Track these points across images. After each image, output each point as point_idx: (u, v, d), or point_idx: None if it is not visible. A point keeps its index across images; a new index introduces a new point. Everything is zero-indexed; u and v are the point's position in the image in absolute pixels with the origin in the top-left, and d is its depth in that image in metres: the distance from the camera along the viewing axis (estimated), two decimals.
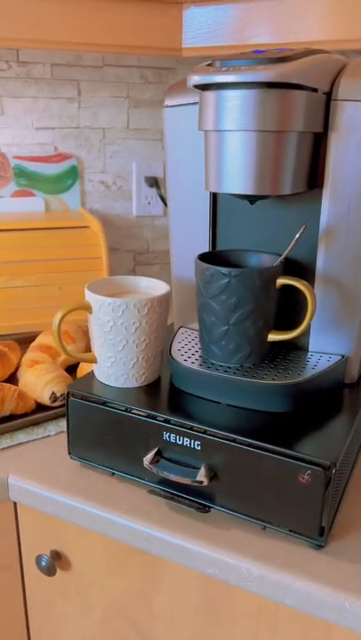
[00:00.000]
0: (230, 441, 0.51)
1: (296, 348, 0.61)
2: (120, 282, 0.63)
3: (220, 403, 0.56)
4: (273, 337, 0.57)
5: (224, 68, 0.47)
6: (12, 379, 0.81)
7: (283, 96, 0.47)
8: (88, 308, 0.58)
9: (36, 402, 0.73)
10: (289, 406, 0.55)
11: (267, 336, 0.57)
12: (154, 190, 1.21)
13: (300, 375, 0.55)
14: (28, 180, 1.13)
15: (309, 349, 0.61)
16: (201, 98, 0.51)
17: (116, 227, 1.22)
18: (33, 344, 0.84)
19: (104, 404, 0.57)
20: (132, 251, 1.25)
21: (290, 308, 0.60)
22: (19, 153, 1.11)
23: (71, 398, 0.59)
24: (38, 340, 0.85)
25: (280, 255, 0.58)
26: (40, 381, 0.73)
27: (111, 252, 1.22)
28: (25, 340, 0.92)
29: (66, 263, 0.99)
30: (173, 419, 0.53)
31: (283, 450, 0.49)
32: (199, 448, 0.53)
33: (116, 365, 0.58)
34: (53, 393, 0.72)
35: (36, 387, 0.73)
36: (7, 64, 1.06)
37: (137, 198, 1.21)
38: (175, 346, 0.62)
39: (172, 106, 0.59)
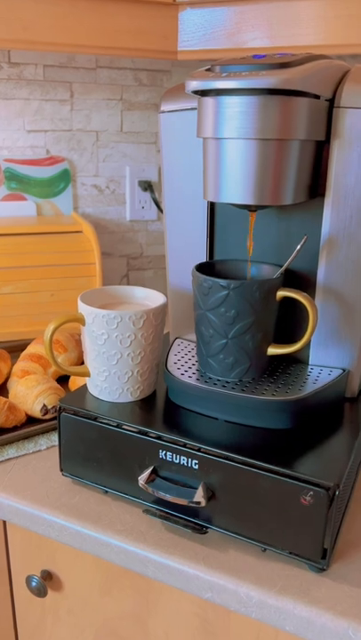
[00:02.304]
0: (229, 460, 0.49)
1: (296, 362, 0.59)
2: (114, 292, 0.61)
3: (217, 419, 0.54)
4: (273, 351, 0.55)
5: (224, 74, 0.45)
6: (2, 389, 0.79)
7: (285, 103, 0.46)
8: (81, 320, 0.55)
9: (27, 414, 0.71)
10: (289, 422, 0.53)
11: (266, 350, 0.55)
12: (148, 194, 1.19)
13: (301, 390, 0.53)
14: (19, 184, 1.10)
15: (310, 363, 0.59)
16: (199, 104, 0.49)
17: (109, 231, 1.20)
18: (24, 353, 0.82)
19: (95, 419, 0.55)
20: (125, 256, 1.23)
21: (290, 321, 0.58)
22: (10, 156, 1.08)
23: (63, 413, 0.57)
24: (29, 349, 0.82)
25: (280, 266, 0.56)
26: (31, 393, 0.71)
27: (104, 256, 1.20)
28: (15, 349, 0.89)
29: (58, 269, 0.96)
30: (169, 436, 0.51)
31: (283, 470, 0.47)
32: (197, 467, 0.51)
33: (110, 379, 0.56)
34: (44, 405, 0.70)
35: (26, 398, 0.71)
36: None
37: (130, 202, 1.19)
38: (171, 358, 0.60)
39: (168, 111, 0.57)
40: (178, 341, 0.65)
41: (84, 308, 0.55)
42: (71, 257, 0.98)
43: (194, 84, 0.46)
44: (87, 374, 0.58)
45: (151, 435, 0.52)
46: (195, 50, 0.83)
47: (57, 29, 0.84)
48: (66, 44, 0.85)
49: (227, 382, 0.55)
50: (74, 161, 1.13)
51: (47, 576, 0.62)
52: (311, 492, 0.46)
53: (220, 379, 0.55)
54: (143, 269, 1.25)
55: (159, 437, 0.52)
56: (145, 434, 0.52)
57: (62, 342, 0.83)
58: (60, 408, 0.57)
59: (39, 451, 0.66)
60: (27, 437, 0.67)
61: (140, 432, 0.53)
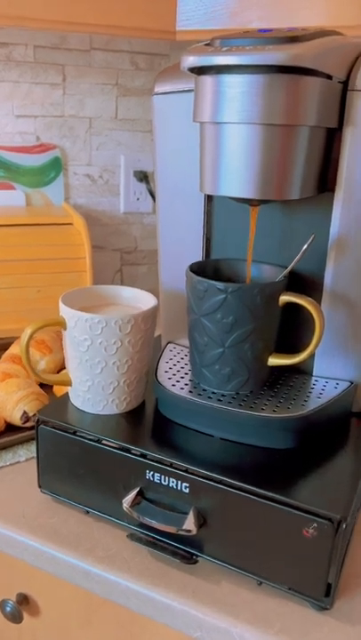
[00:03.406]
0: (223, 485, 0.44)
1: (299, 372, 0.54)
2: (99, 292, 0.56)
3: (212, 436, 0.49)
4: (274, 361, 0.50)
5: (225, 48, 0.40)
6: None
7: (294, 83, 0.40)
8: (62, 324, 0.50)
9: (6, 421, 0.66)
10: (292, 442, 0.48)
11: (267, 360, 0.50)
12: (143, 185, 1.13)
13: (305, 406, 0.48)
14: (7, 172, 1.04)
15: (314, 374, 0.54)
16: (197, 84, 0.44)
17: (101, 223, 1.14)
18: (5, 354, 0.76)
19: (75, 433, 0.50)
20: (118, 250, 1.17)
21: (293, 327, 0.53)
22: None
23: (41, 426, 0.52)
24: (11, 350, 0.77)
25: (284, 267, 0.51)
26: (11, 398, 0.65)
27: (96, 250, 1.14)
28: None
29: (45, 263, 0.91)
30: (156, 455, 0.46)
31: (284, 499, 0.42)
32: (187, 491, 0.45)
33: (93, 390, 0.51)
34: (25, 412, 0.65)
35: (5, 404, 0.65)
36: None
37: (125, 193, 1.13)
38: (162, 366, 0.55)
39: (162, 93, 0.52)
40: (170, 347, 0.60)
41: (65, 311, 0.50)
42: (60, 250, 0.92)
43: (190, 60, 0.40)
44: (68, 383, 0.53)
45: (135, 452, 0.47)
46: (194, 30, 0.77)
47: (47, 4, 0.77)
48: (57, 21, 0.79)
49: (222, 395, 0.49)
50: (65, 149, 1.07)
51: (23, 600, 0.57)
52: (315, 525, 0.41)
53: (215, 391, 0.50)
54: (137, 264, 1.19)
55: (145, 456, 0.47)
56: (128, 451, 0.47)
57: (48, 343, 0.77)
58: (37, 420, 0.52)
59: (17, 462, 0.61)
60: (4, 448, 0.62)
61: (122, 449, 0.48)
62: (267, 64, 0.38)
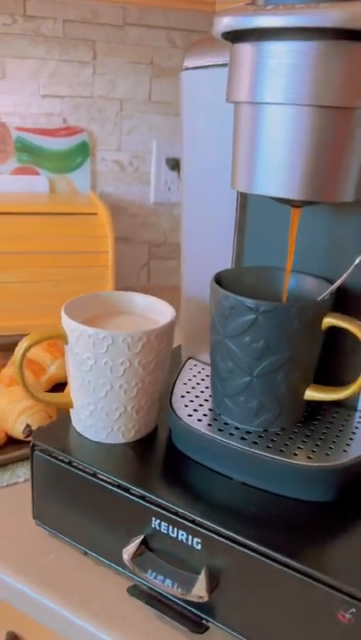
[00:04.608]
0: (242, 547, 0.36)
1: (340, 405, 0.46)
2: (109, 299, 0.48)
3: (232, 479, 0.41)
4: (312, 395, 0.41)
5: (269, 7, 0.31)
6: None
7: (357, 53, 0.31)
8: (63, 337, 0.43)
9: (7, 434, 0.59)
10: (330, 494, 0.40)
11: (303, 393, 0.41)
12: (175, 174, 1.05)
13: (347, 452, 0.40)
14: (31, 156, 0.98)
15: (358, 408, 0.45)
16: (232, 54, 0.35)
17: (129, 214, 1.06)
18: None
19: (69, 463, 0.43)
20: (146, 242, 1.09)
21: (334, 351, 0.44)
22: (21, 124, 0.96)
23: (36, 451, 0.45)
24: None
25: (328, 280, 0.42)
26: (14, 409, 0.59)
27: (123, 242, 1.07)
28: (7, 347, 0.77)
29: (65, 256, 0.84)
30: (164, 502, 0.39)
31: (316, 573, 0.34)
32: (199, 547, 0.38)
33: (96, 415, 0.44)
34: (28, 425, 0.58)
35: (7, 415, 0.59)
36: (12, 17, 0.90)
37: (156, 182, 1.05)
38: (179, 389, 0.47)
39: (192, 68, 0.43)
40: (191, 363, 0.52)
41: (67, 323, 0.42)
42: (81, 243, 0.85)
43: (225, 22, 0.32)
44: (70, 405, 0.45)
45: (136, 493, 0.40)
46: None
47: None
48: None
49: (247, 433, 0.41)
50: (94, 132, 1.00)
51: (14, 639, 0.51)
52: (353, 610, 0.33)
53: (239, 426, 0.42)
54: (166, 258, 1.11)
55: (148, 499, 0.39)
56: (128, 491, 0.40)
57: (60, 344, 0.71)
58: (32, 445, 0.45)
59: (15, 483, 0.54)
60: (2, 465, 0.56)
61: (122, 487, 0.40)
62: (323, 27, 0.30)
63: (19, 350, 0.43)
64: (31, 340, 0.42)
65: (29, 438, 0.58)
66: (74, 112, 0.98)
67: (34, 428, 0.58)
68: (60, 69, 0.95)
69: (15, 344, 0.79)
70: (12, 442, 0.59)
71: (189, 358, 0.53)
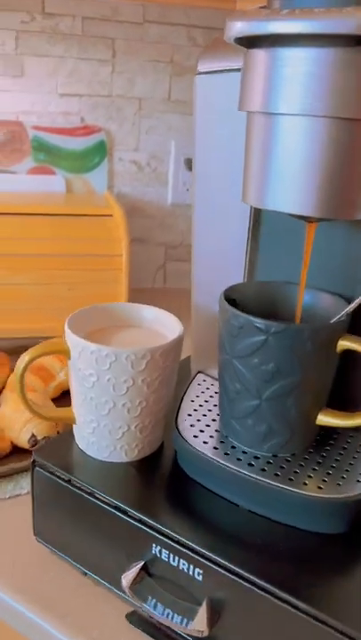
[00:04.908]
0: (247, 582, 0.34)
1: (354, 430, 0.43)
2: (116, 311, 0.47)
3: (238, 506, 0.39)
4: (324, 420, 0.39)
5: (286, 11, 0.29)
6: None
7: None
8: (66, 352, 0.41)
9: (12, 443, 0.58)
10: (339, 527, 0.37)
11: (315, 417, 0.39)
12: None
13: None
14: (47, 156, 0.97)
15: None
16: (246, 60, 0.33)
17: (146, 215, 1.05)
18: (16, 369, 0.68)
19: (69, 481, 0.41)
20: (163, 244, 1.08)
21: (347, 372, 0.42)
22: (38, 123, 0.94)
23: (36, 468, 0.44)
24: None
25: (343, 297, 0.40)
26: (19, 418, 0.58)
27: (139, 243, 1.06)
28: (18, 350, 0.76)
29: (78, 259, 0.83)
30: (164, 528, 0.37)
31: (325, 617, 0.32)
32: (200, 578, 0.36)
33: (98, 433, 0.42)
34: (33, 435, 0.57)
35: (13, 424, 0.58)
36: (30, 15, 0.89)
37: (174, 183, 1.03)
38: (186, 407, 0.45)
39: (205, 72, 0.41)
40: (200, 378, 0.50)
41: (70, 337, 0.41)
42: (95, 245, 0.83)
43: (238, 27, 0.30)
44: (72, 421, 0.44)
45: (134, 517, 0.38)
46: None
47: None
48: None
49: (255, 458, 0.39)
50: (112, 132, 0.98)
51: None
52: None
53: (246, 450, 0.40)
54: (182, 261, 1.09)
55: (148, 524, 0.38)
56: (126, 513, 0.38)
57: None
58: (32, 461, 0.44)
59: (18, 495, 0.53)
60: (6, 476, 0.55)
61: (120, 510, 0.39)
62: (343, 33, 0.27)
63: (20, 363, 0.41)
64: (33, 355, 0.40)
65: (35, 448, 0.57)
66: (92, 111, 0.96)
67: (39, 437, 0.57)
68: (79, 68, 0.93)
69: (27, 347, 0.78)
70: (17, 451, 0.58)
71: (199, 372, 0.51)
